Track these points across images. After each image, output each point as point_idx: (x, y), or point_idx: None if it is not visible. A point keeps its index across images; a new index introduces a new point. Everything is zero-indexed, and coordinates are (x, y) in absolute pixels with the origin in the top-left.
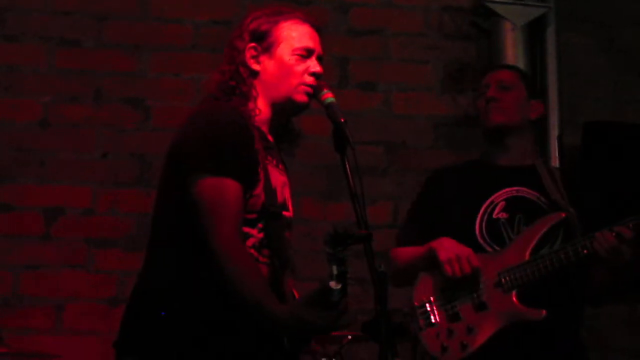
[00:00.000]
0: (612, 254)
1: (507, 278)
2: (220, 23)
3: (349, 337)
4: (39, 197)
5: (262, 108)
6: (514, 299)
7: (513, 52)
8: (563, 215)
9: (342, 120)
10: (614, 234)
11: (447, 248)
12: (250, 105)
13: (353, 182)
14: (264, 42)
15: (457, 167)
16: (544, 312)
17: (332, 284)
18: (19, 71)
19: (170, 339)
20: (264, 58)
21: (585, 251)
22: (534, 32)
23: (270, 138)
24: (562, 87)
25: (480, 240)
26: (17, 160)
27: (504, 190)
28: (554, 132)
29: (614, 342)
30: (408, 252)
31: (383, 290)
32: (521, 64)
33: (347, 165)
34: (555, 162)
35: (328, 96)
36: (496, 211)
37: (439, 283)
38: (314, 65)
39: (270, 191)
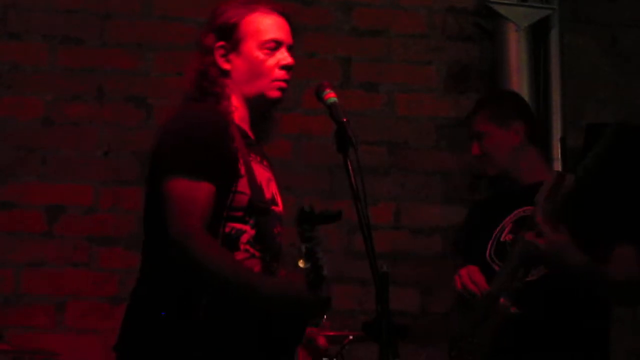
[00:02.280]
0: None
1: (495, 287)
2: None
3: (350, 337)
4: (41, 195)
5: (237, 106)
6: (501, 301)
7: (516, 53)
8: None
9: (345, 120)
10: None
11: (459, 274)
12: (225, 103)
13: (355, 182)
14: (231, 39)
15: (487, 198)
16: (512, 308)
17: (300, 262)
18: (21, 69)
19: (170, 343)
20: (233, 56)
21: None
22: (537, 34)
23: (251, 135)
24: (565, 89)
25: (490, 263)
26: (19, 159)
27: (514, 213)
28: (556, 134)
29: (619, 344)
30: None
31: (384, 291)
32: (524, 65)
33: (350, 166)
34: (557, 165)
35: (330, 96)
36: (504, 234)
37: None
38: (284, 57)
39: (255, 187)
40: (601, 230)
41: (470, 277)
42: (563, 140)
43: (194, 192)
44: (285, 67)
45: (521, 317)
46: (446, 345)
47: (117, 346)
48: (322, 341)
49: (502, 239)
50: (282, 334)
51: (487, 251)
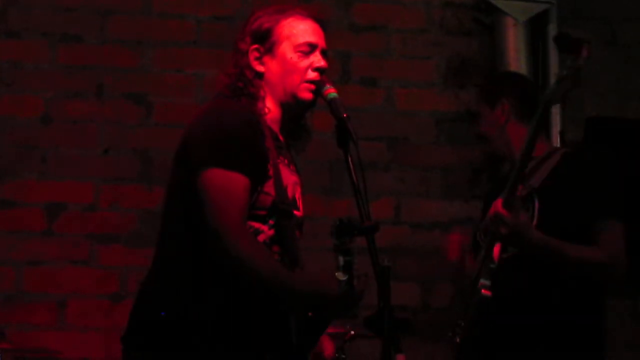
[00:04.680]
0: (491, 226)
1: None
2: (222, 19)
3: (352, 332)
4: (41, 193)
5: (271, 107)
6: (480, 284)
7: (515, 48)
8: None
9: (345, 115)
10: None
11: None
12: (259, 104)
13: (356, 178)
14: (266, 42)
15: (494, 185)
16: (482, 291)
17: (339, 275)
18: (21, 67)
19: (179, 335)
20: (267, 59)
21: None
22: (536, 28)
23: (281, 138)
24: None
25: (479, 239)
26: (18, 156)
27: None
28: (556, 127)
29: (620, 337)
30: None
31: (386, 286)
32: (523, 59)
33: (350, 161)
34: None
35: (331, 91)
36: None
37: None
38: (317, 60)
39: (280, 189)
40: (586, 210)
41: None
42: (562, 133)
43: (232, 184)
44: (318, 69)
45: (491, 301)
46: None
47: (125, 337)
48: (328, 349)
49: None
50: (300, 333)
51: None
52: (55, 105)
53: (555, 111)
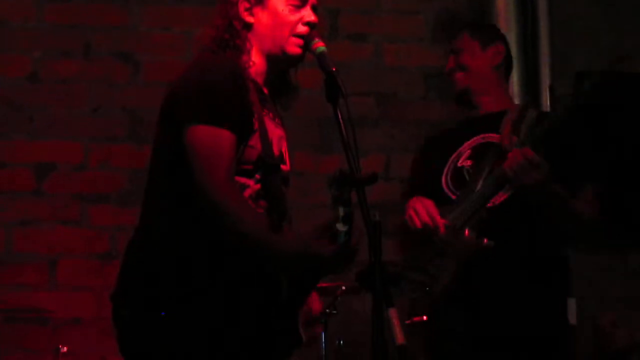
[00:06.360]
0: (520, 173)
1: (457, 219)
2: None
3: (343, 287)
4: (30, 153)
5: (256, 60)
6: (466, 233)
7: (504, 2)
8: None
9: (334, 69)
10: (521, 152)
11: (409, 206)
12: (244, 57)
13: (346, 133)
14: None
15: (441, 131)
16: (485, 240)
17: (339, 225)
18: (8, 26)
19: (168, 292)
20: (257, 10)
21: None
22: None
23: (265, 91)
24: (553, 38)
25: (446, 190)
26: (6, 116)
27: (472, 139)
28: (545, 82)
29: (610, 292)
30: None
31: (377, 241)
32: (512, 13)
33: (340, 116)
34: None
35: (319, 45)
36: (461, 160)
37: (409, 245)
38: (308, 14)
39: (266, 143)
40: (571, 169)
41: (427, 210)
42: (552, 88)
43: (218, 141)
44: (308, 24)
45: (493, 248)
46: None
47: (114, 295)
48: (316, 306)
49: (459, 164)
50: (289, 293)
51: (443, 177)
52: (42, 65)
53: (544, 66)
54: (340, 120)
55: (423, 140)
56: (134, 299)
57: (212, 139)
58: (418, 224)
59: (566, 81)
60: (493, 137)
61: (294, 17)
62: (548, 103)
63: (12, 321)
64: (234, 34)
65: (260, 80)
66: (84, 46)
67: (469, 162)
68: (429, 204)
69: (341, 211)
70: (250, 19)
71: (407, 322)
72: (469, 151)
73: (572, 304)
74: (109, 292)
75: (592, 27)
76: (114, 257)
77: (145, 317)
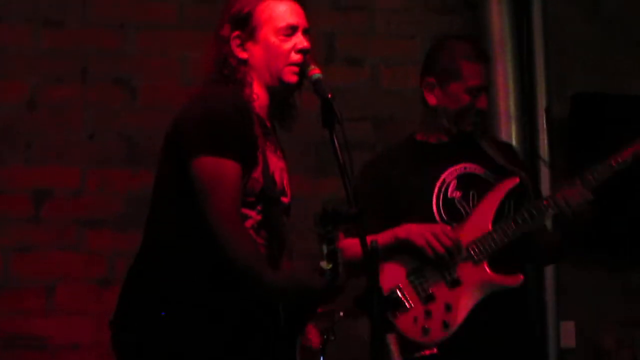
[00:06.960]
0: (578, 209)
1: (476, 249)
2: (205, 1)
3: (341, 314)
4: (27, 179)
5: (259, 93)
6: (487, 268)
7: (499, 24)
8: (517, 180)
9: (330, 96)
10: (578, 189)
11: (419, 232)
12: (247, 90)
13: (342, 158)
14: (247, 27)
15: (391, 152)
16: (521, 277)
17: (323, 263)
18: (5, 52)
19: (170, 319)
20: (249, 45)
21: (549, 209)
22: (520, 4)
23: (268, 124)
24: (549, 59)
25: (439, 220)
26: (4, 142)
27: (453, 168)
28: (541, 104)
29: (611, 316)
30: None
31: (375, 265)
32: (507, 36)
33: (336, 141)
34: (543, 134)
35: (315, 72)
36: (450, 190)
37: (404, 268)
38: (300, 41)
39: (268, 176)
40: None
41: (447, 235)
42: (548, 110)
43: (224, 172)
44: (301, 51)
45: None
46: None
47: (113, 321)
48: (315, 340)
49: (449, 196)
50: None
51: (434, 207)
52: (39, 91)
53: (540, 88)
54: (337, 146)
55: (367, 168)
56: (135, 324)
57: (218, 170)
58: (441, 249)
59: (563, 103)
60: (474, 167)
61: (287, 45)
62: (544, 125)
63: (11, 347)
64: (233, 70)
65: (263, 113)
66: (81, 72)
67: (458, 194)
68: (443, 227)
69: (325, 249)
70: (244, 55)
71: (417, 355)
72: (454, 181)
73: (570, 326)
74: (107, 317)
75: (588, 48)
76: (112, 282)
77: (147, 343)
